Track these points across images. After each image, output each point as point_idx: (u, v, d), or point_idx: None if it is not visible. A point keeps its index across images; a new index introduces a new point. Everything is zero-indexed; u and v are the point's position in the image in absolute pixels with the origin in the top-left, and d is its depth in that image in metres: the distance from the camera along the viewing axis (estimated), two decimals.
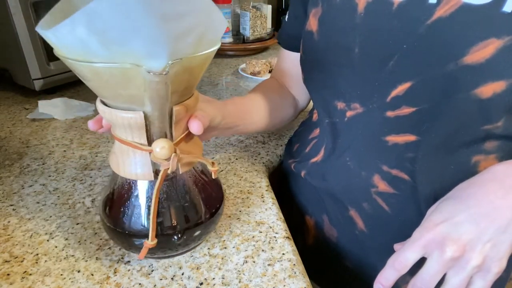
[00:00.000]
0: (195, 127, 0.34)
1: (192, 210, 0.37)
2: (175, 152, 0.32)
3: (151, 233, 0.33)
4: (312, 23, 0.48)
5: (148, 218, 0.35)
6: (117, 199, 0.36)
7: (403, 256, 0.34)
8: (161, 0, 0.24)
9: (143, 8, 0.24)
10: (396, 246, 0.39)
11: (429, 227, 0.34)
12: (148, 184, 0.35)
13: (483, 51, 0.35)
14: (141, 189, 0.35)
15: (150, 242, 0.33)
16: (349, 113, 0.47)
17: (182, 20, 0.26)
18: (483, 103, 0.37)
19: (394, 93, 0.41)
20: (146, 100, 0.29)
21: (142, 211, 0.35)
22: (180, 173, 0.35)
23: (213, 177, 0.38)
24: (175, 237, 0.36)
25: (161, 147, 0.31)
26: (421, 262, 0.35)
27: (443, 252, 0.33)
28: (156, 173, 0.33)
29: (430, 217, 0.35)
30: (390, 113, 0.42)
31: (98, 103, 0.32)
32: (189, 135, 0.35)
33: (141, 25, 0.24)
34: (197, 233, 0.37)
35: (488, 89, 0.36)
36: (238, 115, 0.51)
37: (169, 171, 0.32)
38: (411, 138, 0.42)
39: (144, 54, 0.26)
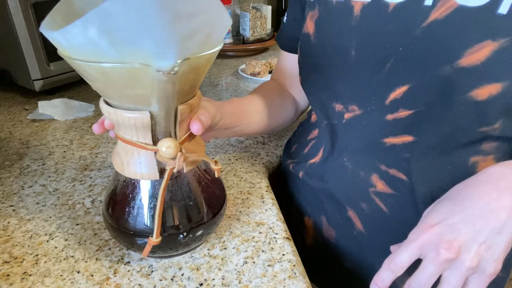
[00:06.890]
0: (196, 127, 0.34)
1: (195, 209, 0.37)
2: (180, 151, 0.32)
3: (156, 231, 0.33)
4: (309, 26, 0.48)
5: (151, 217, 0.35)
6: (120, 198, 0.36)
7: (399, 257, 0.35)
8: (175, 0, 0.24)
9: (158, 7, 0.24)
10: (392, 248, 0.39)
11: (424, 228, 0.35)
12: (151, 183, 0.35)
13: (478, 54, 0.35)
14: (144, 189, 0.35)
15: (154, 239, 0.33)
16: (347, 115, 0.47)
17: (192, 19, 0.25)
18: (479, 106, 0.37)
19: (392, 96, 0.41)
20: (153, 100, 0.29)
21: (145, 210, 0.35)
22: (185, 171, 0.35)
23: (216, 175, 0.38)
24: (178, 236, 0.36)
25: (167, 146, 0.31)
26: (419, 262, 0.35)
27: (439, 253, 0.33)
28: (160, 172, 0.34)
29: (426, 219, 0.36)
30: (389, 116, 0.43)
31: (101, 103, 0.32)
32: (192, 134, 0.35)
33: (152, 25, 0.24)
34: (199, 233, 0.37)
35: (484, 92, 0.37)
36: (237, 114, 0.51)
37: (175, 170, 0.32)
38: (408, 138, 0.43)
39: (154, 54, 0.26)
